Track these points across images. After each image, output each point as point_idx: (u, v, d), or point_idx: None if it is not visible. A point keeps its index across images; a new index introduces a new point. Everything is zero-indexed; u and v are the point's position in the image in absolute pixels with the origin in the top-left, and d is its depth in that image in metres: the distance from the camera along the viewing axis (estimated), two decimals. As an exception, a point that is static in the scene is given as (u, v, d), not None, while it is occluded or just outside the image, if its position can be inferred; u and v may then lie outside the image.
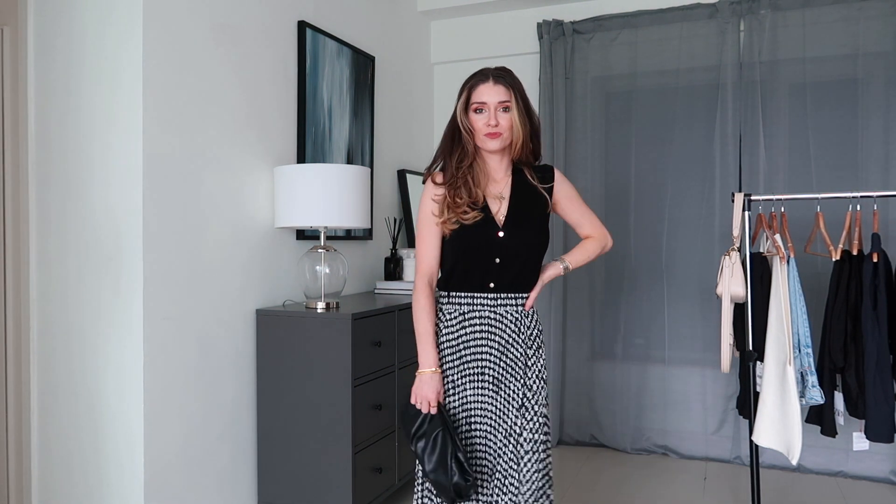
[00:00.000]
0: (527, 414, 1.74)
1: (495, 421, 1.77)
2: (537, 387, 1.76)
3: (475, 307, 1.77)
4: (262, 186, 2.57)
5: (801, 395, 2.48)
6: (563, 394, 3.68)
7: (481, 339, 1.76)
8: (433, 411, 1.72)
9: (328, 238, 2.66)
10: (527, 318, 1.78)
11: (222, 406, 2.38)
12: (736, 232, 2.61)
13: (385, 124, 3.50)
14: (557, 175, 1.86)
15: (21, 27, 2.20)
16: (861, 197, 2.49)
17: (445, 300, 1.80)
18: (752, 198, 2.65)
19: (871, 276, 2.43)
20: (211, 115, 2.32)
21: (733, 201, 2.64)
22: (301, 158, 2.78)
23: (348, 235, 3.10)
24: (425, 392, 1.73)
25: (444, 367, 1.77)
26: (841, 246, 2.56)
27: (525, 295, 1.78)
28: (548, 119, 3.66)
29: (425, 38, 3.98)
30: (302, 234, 2.80)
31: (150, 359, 2.09)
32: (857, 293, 2.50)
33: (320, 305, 2.47)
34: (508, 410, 1.75)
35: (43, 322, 2.23)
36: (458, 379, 1.78)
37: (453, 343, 1.78)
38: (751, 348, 2.61)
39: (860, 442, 2.52)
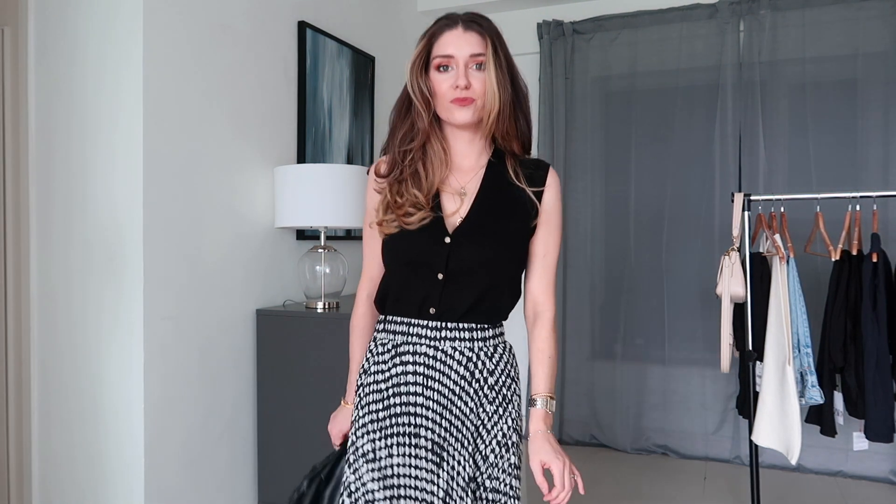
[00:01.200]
0: (481, 497, 1.23)
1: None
2: (497, 457, 1.23)
3: (410, 339, 1.26)
4: (262, 186, 2.57)
5: (801, 394, 2.48)
6: (563, 394, 3.68)
7: (415, 384, 1.25)
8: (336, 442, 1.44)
9: (328, 238, 2.66)
10: (488, 357, 1.26)
11: (222, 406, 2.38)
12: (736, 232, 2.62)
13: (385, 124, 3.49)
14: (553, 182, 1.31)
15: (21, 27, 2.20)
16: (861, 197, 2.50)
17: (381, 326, 1.32)
18: (752, 198, 2.65)
19: (870, 277, 2.44)
20: (211, 116, 2.32)
21: (733, 201, 2.64)
22: (301, 158, 2.78)
23: (348, 235, 3.10)
24: (329, 427, 1.45)
25: (363, 420, 1.27)
26: (840, 246, 2.56)
27: (485, 326, 1.27)
28: (548, 119, 3.66)
29: (425, 38, 3.98)
30: (302, 234, 2.80)
31: (150, 359, 2.09)
32: (856, 293, 2.51)
33: (320, 305, 2.47)
34: (453, 491, 1.21)
35: (44, 322, 2.23)
36: (380, 439, 1.24)
37: (382, 387, 1.27)
38: (750, 348, 2.61)
39: (860, 442, 2.52)
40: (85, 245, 2.15)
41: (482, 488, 1.23)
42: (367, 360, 1.32)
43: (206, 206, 2.30)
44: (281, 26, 2.69)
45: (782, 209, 2.68)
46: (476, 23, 1.24)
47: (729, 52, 3.37)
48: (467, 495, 1.21)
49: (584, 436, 3.66)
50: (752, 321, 2.60)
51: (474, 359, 1.26)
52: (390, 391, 1.26)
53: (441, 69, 1.24)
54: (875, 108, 3.16)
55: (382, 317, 1.33)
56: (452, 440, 1.23)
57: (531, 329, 1.32)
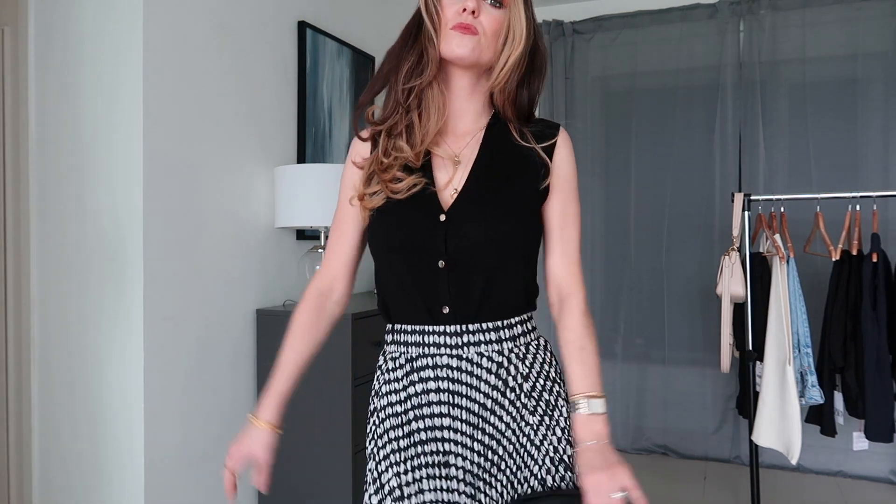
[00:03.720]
0: None
1: None
2: (556, 478, 1.03)
3: (427, 350, 1.06)
4: (262, 186, 2.57)
5: (801, 394, 2.48)
6: (563, 394, 3.68)
7: (439, 403, 1.04)
8: (225, 480, 1.10)
9: (328, 238, 2.66)
10: (520, 359, 1.07)
11: (222, 406, 2.38)
12: (736, 232, 2.62)
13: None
14: (564, 139, 1.12)
15: (22, 27, 2.20)
16: (861, 197, 2.50)
17: (389, 338, 1.13)
18: (752, 198, 2.65)
19: (870, 277, 2.44)
20: (211, 116, 2.32)
21: (733, 201, 2.64)
22: (301, 158, 2.78)
23: (348, 235, 3.10)
24: (231, 448, 1.12)
25: (385, 451, 1.06)
26: (840, 246, 2.56)
27: (511, 322, 1.06)
28: (548, 119, 3.66)
29: (425, 38, 3.98)
30: (302, 234, 2.80)
31: (150, 359, 2.09)
32: (856, 293, 2.51)
33: (320, 305, 2.47)
34: None
35: (44, 322, 2.23)
36: (405, 472, 1.03)
37: (399, 410, 1.07)
38: (750, 348, 2.61)
39: (860, 442, 2.52)
40: (85, 245, 2.15)
41: None
42: (378, 378, 1.12)
43: (206, 207, 2.30)
44: (281, 26, 2.69)
45: (782, 209, 2.68)
46: None
47: (729, 52, 3.37)
48: None
49: (584, 436, 3.66)
50: (752, 321, 2.60)
51: (505, 363, 1.05)
52: (410, 414, 1.05)
53: None
54: (875, 108, 3.16)
55: (389, 327, 1.13)
56: (489, 465, 1.03)
57: (558, 319, 1.09)
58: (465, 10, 1.01)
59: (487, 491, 1.02)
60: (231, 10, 2.41)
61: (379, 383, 1.12)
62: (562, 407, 1.07)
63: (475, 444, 1.03)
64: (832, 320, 2.54)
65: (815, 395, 2.48)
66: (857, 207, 2.54)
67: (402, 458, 1.03)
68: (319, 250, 2.53)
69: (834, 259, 2.56)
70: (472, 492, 1.01)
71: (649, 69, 3.54)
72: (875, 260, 2.44)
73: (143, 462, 2.08)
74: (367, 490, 1.06)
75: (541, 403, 1.06)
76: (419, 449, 1.04)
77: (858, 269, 2.50)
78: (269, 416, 1.16)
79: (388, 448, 1.05)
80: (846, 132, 3.22)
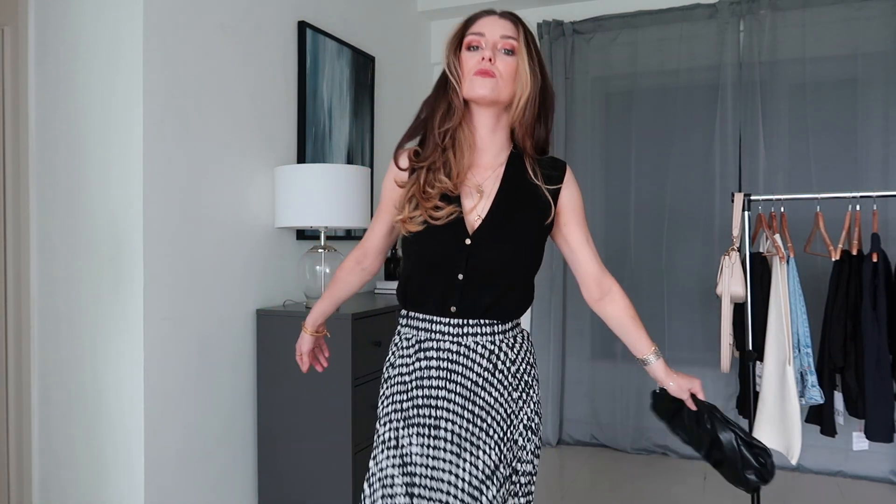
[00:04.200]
0: (514, 481, 1.32)
1: (452, 497, 1.24)
2: (525, 440, 1.34)
3: (433, 336, 1.32)
4: (262, 186, 2.57)
5: (801, 394, 2.48)
6: (563, 394, 3.68)
7: (438, 378, 1.30)
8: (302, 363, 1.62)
9: (328, 238, 2.66)
10: (509, 347, 1.34)
11: (222, 406, 2.38)
12: (736, 232, 2.62)
13: (385, 124, 3.50)
14: (572, 180, 1.38)
15: (21, 27, 2.20)
16: (861, 197, 2.49)
17: (403, 321, 1.38)
18: (752, 198, 2.65)
19: (870, 277, 2.44)
20: (211, 115, 2.32)
21: (733, 201, 2.64)
22: (301, 158, 2.78)
23: (348, 235, 3.10)
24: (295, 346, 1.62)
25: (387, 409, 1.33)
26: (840, 246, 2.56)
27: (505, 324, 1.33)
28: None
29: (425, 38, 3.98)
30: (302, 234, 2.80)
31: (150, 359, 2.09)
32: (856, 293, 2.50)
33: (320, 305, 2.47)
34: (476, 480, 1.25)
35: (44, 322, 2.23)
36: (402, 428, 1.29)
37: (406, 380, 1.33)
38: (750, 348, 2.61)
39: (860, 442, 2.52)
40: (85, 245, 2.15)
41: (516, 473, 1.32)
42: (393, 353, 1.39)
43: (205, 206, 2.30)
44: (281, 26, 2.69)
45: (782, 209, 2.68)
46: (511, 14, 1.32)
47: (729, 52, 3.37)
48: (493, 483, 1.25)
49: (585, 436, 3.66)
50: (752, 321, 2.60)
51: (496, 351, 1.32)
52: (414, 384, 1.31)
53: (471, 48, 1.29)
54: (875, 108, 3.16)
55: (404, 312, 1.38)
56: (477, 430, 1.28)
57: (604, 305, 1.41)
58: (483, 58, 1.26)
59: (474, 451, 1.26)
60: (231, 9, 2.41)
61: (394, 357, 1.38)
62: (535, 386, 1.39)
63: (466, 412, 1.28)
64: (832, 320, 2.54)
65: (815, 395, 2.47)
66: (857, 207, 2.53)
67: (400, 418, 1.30)
68: (319, 250, 2.53)
69: (834, 259, 2.56)
70: (458, 451, 1.26)
71: (649, 69, 3.54)
72: (875, 260, 2.44)
73: (143, 462, 2.08)
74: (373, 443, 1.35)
75: (521, 383, 1.35)
76: (416, 412, 1.29)
77: (858, 269, 2.50)
78: (312, 328, 1.60)
79: (391, 408, 1.32)
80: (846, 132, 3.22)
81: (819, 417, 2.60)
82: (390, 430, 1.30)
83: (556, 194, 1.34)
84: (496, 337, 1.32)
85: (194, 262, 2.26)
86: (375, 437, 1.33)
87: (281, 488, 2.47)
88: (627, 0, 3.57)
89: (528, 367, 1.37)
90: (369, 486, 1.29)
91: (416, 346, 1.33)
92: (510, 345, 1.34)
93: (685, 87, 3.48)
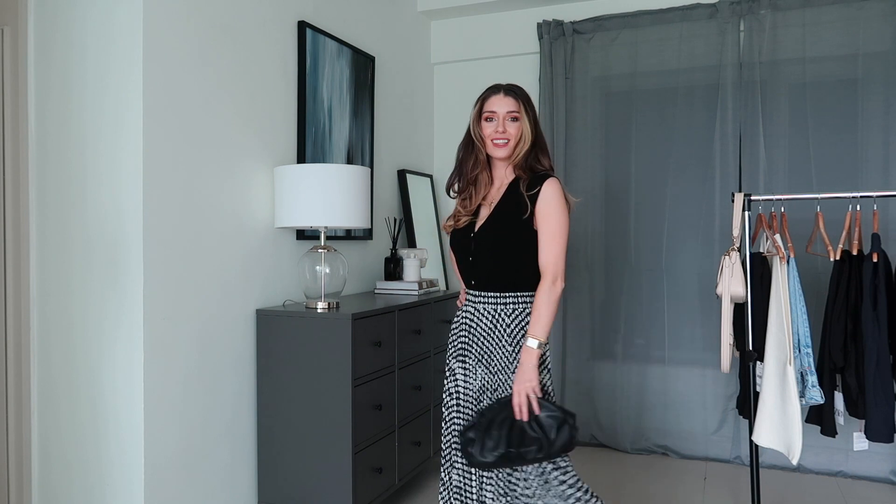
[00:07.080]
0: (484, 397, 1.92)
1: (470, 396, 1.95)
2: (502, 378, 1.88)
3: (467, 302, 1.98)
4: (262, 186, 2.57)
5: (801, 395, 2.48)
6: (563, 394, 3.68)
7: (463, 331, 1.97)
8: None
9: (328, 238, 2.66)
10: (507, 314, 1.88)
11: (222, 406, 2.38)
12: (736, 232, 2.62)
13: (385, 124, 3.50)
14: (545, 187, 1.84)
15: (21, 27, 2.20)
16: (861, 197, 2.50)
17: (464, 294, 2.06)
18: (752, 198, 2.65)
19: (870, 277, 2.44)
20: (211, 115, 2.32)
21: (733, 201, 2.64)
22: (301, 158, 2.78)
23: (348, 235, 3.10)
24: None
25: (449, 350, 2.03)
26: (841, 246, 2.56)
27: (504, 295, 1.88)
28: (548, 119, 3.66)
29: (425, 38, 3.98)
30: (302, 234, 2.80)
31: (150, 359, 2.09)
32: (856, 293, 2.50)
33: (320, 305, 2.47)
34: (477, 387, 1.94)
35: (43, 322, 2.23)
36: (448, 357, 2.03)
37: (453, 328, 2.03)
38: (751, 348, 2.61)
39: (860, 442, 2.52)
40: (85, 245, 2.15)
41: (502, 393, 1.88)
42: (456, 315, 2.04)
43: (206, 206, 2.30)
44: (281, 26, 2.69)
45: (782, 209, 2.68)
46: (513, 90, 1.91)
47: (729, 52, 3.37)
48: (482, 393, 1.91)
49: (585, 436, 3.66)
50: (752, 321, 2.60)
51: (496, 316, 1.89)
52: (455, 337, 2.00)
53: (488, 120, 1.91)
54: (875, 108, 3.16)
55: (463, 286, 2.05)
56: (483, 362, 1.91)
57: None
58: (497, 130, 1.89)
59: (478, 373, 1.92)
60: (231, 9, 2.41)
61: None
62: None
63: (475, 350, 1.94)
64: (832, 320, 2.54)
65: (816, 396, 2.47)
66: (858, 207, 2.53)
67: (451, 357, 2.01)
68: (319, 250, 2.53)
69: (834, 259, 2.56)
70: (474, 371, 1.93)
71: (649, 69, 3.54)
72: (875, 260, 2.44)
73: (143, 462, 2.08)
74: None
75: (514, 340, 1.87)
76: (455, 351, 1.99)
77: (859, 269, 2.50)
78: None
79: (450, 350, 2.02)
80: (846, 132, 3.22)
81: (819, 417, 2.60)
82: (447, 360, 2.02)
83: (533, 199, 1.85)
84: (498, 306, 1.89)
85: (194, 262, 2.25)
86: (448, 364, 2.01)
87: (281, 488, 2.47)
88: (627, 0, 3.57)
89: (523, 331, 1.86)
90: (446, 393, 2.01)
91: (462, 308, 2.01)
92: (508, 313, 1.88)
93: (685, 87, 3.48)
